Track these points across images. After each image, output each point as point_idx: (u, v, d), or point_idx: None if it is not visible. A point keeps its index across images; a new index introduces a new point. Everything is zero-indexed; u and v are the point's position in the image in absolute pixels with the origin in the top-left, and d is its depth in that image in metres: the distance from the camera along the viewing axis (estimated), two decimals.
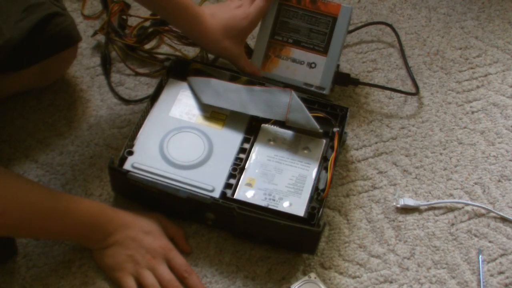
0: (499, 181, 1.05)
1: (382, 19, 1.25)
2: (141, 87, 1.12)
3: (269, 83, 1.02)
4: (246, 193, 0.93)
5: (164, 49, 1.17)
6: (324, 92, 1.07)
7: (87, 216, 0.88)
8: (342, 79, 1.12)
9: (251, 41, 1.16)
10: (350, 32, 1.22)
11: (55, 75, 1.09)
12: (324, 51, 1.07)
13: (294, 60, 1.07)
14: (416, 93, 1.15)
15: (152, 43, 1.17)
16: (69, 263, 0.92)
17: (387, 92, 1.15)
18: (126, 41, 1.13)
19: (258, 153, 0.97)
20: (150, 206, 0.97)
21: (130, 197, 0.98)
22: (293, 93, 0.97)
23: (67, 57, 1.07)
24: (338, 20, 1.06)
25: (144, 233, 0.90)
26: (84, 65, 1.14)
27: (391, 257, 0.96)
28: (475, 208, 1.02)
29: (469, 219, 1.01)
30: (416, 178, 1.05)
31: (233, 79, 1.04)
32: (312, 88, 1.06)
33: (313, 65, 1.06)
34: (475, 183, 1.05)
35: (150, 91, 1.08)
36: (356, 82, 1.13)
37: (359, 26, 1.23)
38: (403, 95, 1.15)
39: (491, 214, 1.02)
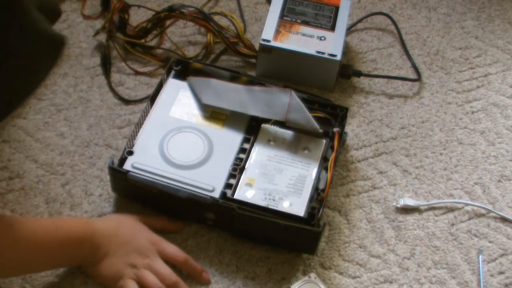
0: (499, 181, 1.05)
1: (382, 19, 1.25)
2: (141, 87, 1.12)
3: (269, 84, 1.02)
4: (246, 193, 0.93)
5: (167, 45, 1.17)
6: (337, 58, 1.09)
7: (72, 235, 0.86)
8: (345, 71, 1.13)
9: (257, 23, 1.17)
10: (350, 27, 1.23)
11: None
12: (331, 28, 1.12)
13: (304, 35, 1.11)
14: (418, 79, 1.16)
15: (153, 42, 1.17)
16: None
17: (387, 92, 1.15)
18: (129, 34, 1.14)
19: (258, 153, 0.97)
20: (150, 206, 0.97)
21: (130, 197, 0.98)
22: (293, 93, 0.97)
23: None
24: (340, 8, 1.15)
25: (130, 235, 0.90)
26: (84, 65, 1.14)
27: (391, 257, 0.96)
28: (475, 208, 1.02)
29: (469, 219, 1.01)
30: (416, 178, 1.05)
31: (233, 79, 1.04)
32: (325, 55, 1.09)
33: (322, 38, 1.11)
34: (475, 183, 1.05)
35: (150, 91, 1.07)
36: (358, 74, 1.14)
37: (360, 19, 1.24)
38: (403, 94, 1.15)
39: (491, 214, 1.02)
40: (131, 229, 0.91)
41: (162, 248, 0.91)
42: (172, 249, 0.91)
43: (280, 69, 1.13)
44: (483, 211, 1.02)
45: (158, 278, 0.88)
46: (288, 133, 1.00)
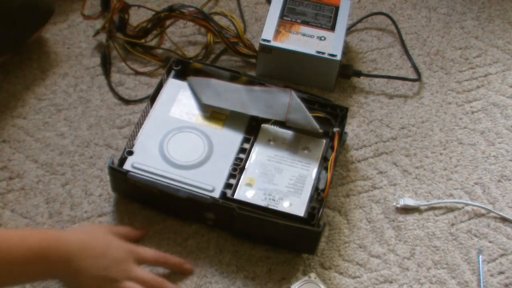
0: (499, 181, 1.05)
1: (382, 19, 1.25)
2: (141, 87, 1.12)
3: (269, 84, 1.02)
4: (246, 193, 0.93)
5: (167, 45, 1.17)
6: (337, 58, 1.09)
7: (38, 247, 0.81)
8: (345, 71, 1.13)
9: (257, 23, 1.17)
10: (350, 27, 1.23)
11: None
12: (331, 28, 1.12)
13: (304, 35, 1.11)
14: (418, 79, 1.16)
15: (153, 42, 1.17)
16: None
17: (387, 92, 1.15)
18: (129, 34, 1.14)
19: (258, 153, 0.97)
20: (150, 206, 0.97)
21: (130, 197, 0.98)
22: (293, 93, 0.98)
23: None
24: (340, 8, 1.15)
25: (104, 247, 0.87)
26: (84, 65, 1.14)
27: (391, 257, 0.96)
28: (475, 208, 1.02)
29: (469, 219, 1.01)
30: (416, 178, 1.05)
31: (233, 79, 1.04)
32: (325, 55, 1.09)
33: (322, 38, 1.11)
34: (475, 183, 1.05)
35: (150, 91, 1.07)
36: (358, 74, 1.14)
37: (360, 19, 1.24)
38: (403, 94, 1.15)
39: (491, 214, 1.02)
40: (103, 241, 0.88)
41: (139, 255, 0.89)
42: (149, 253, 0.90)
43: (280, 69, 1.13)
44: (483, 211, 1.02)
45: (143, 285, 0.86)
46: (288, 133, 1.00)
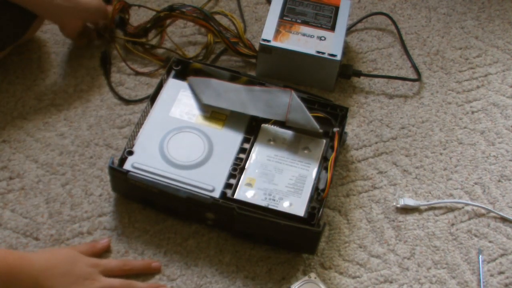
0: (499, 181, 1.05)
1: (382, 19, 1.26)
2: (141, 87, 1.12)
3: (269, 84, 1.02)
4: (246, 193, 0.93)
5: (167, 45, 1.17)
6: (337, 58, 1.09)
7: (5, 265, 0.81)
8: (345, 71, 1.13)
9: (257, 23, 1.17)
10: (350, 27, 1.23)
11: None
12: (331, 28, 1.13)
13: (304, 35, 1.12)
14: (418, 79, 1.16)
15: (153, 42, 1.17)
16: None
17: (387, 92, 1.15)
18: (130, 32, 1.14)
19: (258, 153, 0.97)
20: (150, 206, 0.97)
21: (130, 197, 0.98)
22: (293, 93, 0.98)
23: None
24: (340, 8, 1.16)
25: (69, 264, 0.87)
26: (84, 65, 1.14)
27: (391, 257, 0.96)
28: (475, 208, 1.02)
29: (469, 219, 1.01)
30: (416, 178, 1.05)
31: (233, 79, 1.04)
32: (325, 55, 1.09)
33: (322, 38, 1.11)
34: (475, 183, 1.05)
35: (150, 91, 1.08)
36: (358, 74, 1.14)
37: (360, 19, 1.25)
38: (403, 94, 1.15)
39: (491, 214, 1.02)
40: (68, 258, 0.88)
41: (103, 266, 0.89)
42: (113, 263, 0.91)
43: (280, 69, 1.13)
44: (483, 211, 1.02)
45: None
46: (288, 133, 1.00)
